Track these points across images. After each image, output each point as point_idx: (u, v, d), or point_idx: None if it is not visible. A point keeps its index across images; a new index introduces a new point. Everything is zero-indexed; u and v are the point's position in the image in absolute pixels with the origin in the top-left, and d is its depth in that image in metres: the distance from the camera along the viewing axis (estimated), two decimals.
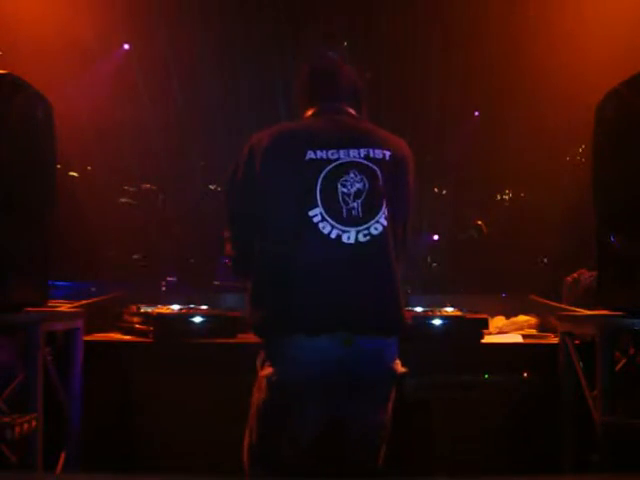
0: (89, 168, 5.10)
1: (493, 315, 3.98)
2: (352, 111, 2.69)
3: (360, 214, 2.46)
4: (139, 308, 3.75)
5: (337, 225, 2.43)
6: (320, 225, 2.43)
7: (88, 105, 4.49)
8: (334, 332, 2.38)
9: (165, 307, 3.80)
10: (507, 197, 5.40)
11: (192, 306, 3.84)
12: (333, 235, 2.43)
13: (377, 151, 2.54)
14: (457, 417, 3.41)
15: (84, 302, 3.73)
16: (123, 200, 5.14)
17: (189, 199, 5.29)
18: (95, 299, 3.98)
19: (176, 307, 3.81)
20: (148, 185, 5.22)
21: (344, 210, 2.45)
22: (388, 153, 2.55)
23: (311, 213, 2.44)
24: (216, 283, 4.69)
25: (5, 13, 4.27)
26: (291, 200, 2.47)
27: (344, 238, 2.43)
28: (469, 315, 3.62)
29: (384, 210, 2.48)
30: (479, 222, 3.98)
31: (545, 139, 4.87)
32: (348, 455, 2.55)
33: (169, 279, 4.64)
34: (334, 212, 2.44)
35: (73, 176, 4.95)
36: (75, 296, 3.94)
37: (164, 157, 5.03)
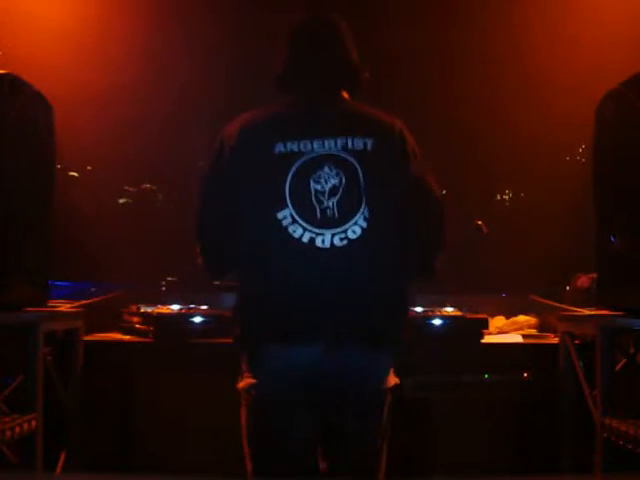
0: (89, 168, 5.09)
1: (493, 315, 3.98)
2: (340, 90, 2.36)
3: (336, 215, 2.20)
4: (139, 308, 3.75)
5: (309, 228, 2.19)
6: (290, 228, 2.19)
7: (88, 105, 4.49)
8: (310, 343, 2.19)
9: (165, 307, 3.80)
10: (507, 197, 5.40)
11: (192, 306, 3.84)
12: (305, 239, 2.19)
13: (357, 140, 2.24)
14: (457, 417, 3.41)
15: (84, 302, 3.72)
16: (122, 200, 5.14)
17: (189, 199, 5.28)
18: (95, 299, 3.97)
19: (176, 307, 3.81)
20: (148, 185, 5.21)
21: (317, 210, 2.20)
22: (370, 142, 2.25)
23: (280, 215, 2.20)
24: (216, 283, 4.68)
25: (4, 11, 4.27)
26: (259, 201, 2.23)
27: (318, 242, 2.19)
28: (469, 315, 3.62)
29: (364, 210, 2.21)
30: (479, 222, 3.97)
31: (545, 139, 4.86)
32: (344, 461, 2.35)
33: (169, 279, 4.63)
34: (306, 213, 2.19)
35: (73, 176, 4.94)
36: (75, 296, 3.94)
37: (164, 157, 5.02)
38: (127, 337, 3.67)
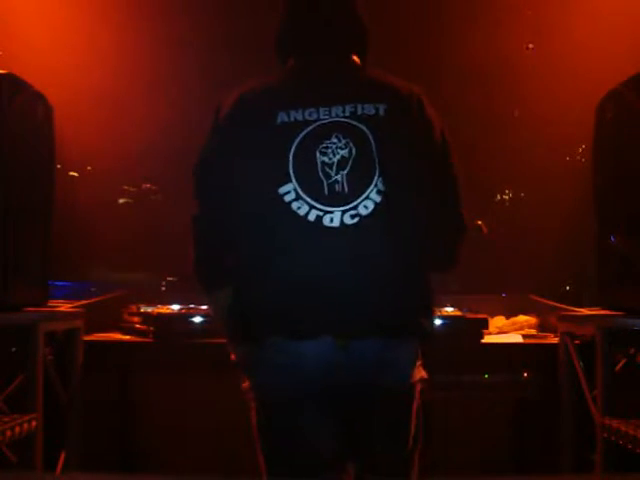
0: (89, 168, 5.09)
1: (493, 315, 3.98)
2: (348, 55, 2.12)
3: (345, 189, 1.95)
4: (139, 308, 3.75)
5: (316, 204, 1.94)
6: (294, 205, 1.94)
7: (88, 105, 4.49)
8: (319, 335, 1.93)
9: (165, 307, 3.80)
10: (507, 197, 5.39)
11: (192, 306, 3.84)
12: (311, 217, 1.94)
13: (367, 106, 1.99)
14: (457, 417, 3.41)
15: (84, 302, 3.73)
16: (122, 200, 5.13)
17: (189, 199, 5.28)
18: (95, 299, 3.98)
19: (176, 307, 3.81)
20: (148, 185, 5.21)
21: (325, 185, 1.95)
22: (383, 107, 2.00)
23: (282, 190, 1.95)
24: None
25: (3, 10, 4.27)
26: (260, 176, 1.98)
27: (325, 221, 1.94)
28: (469, 315, 3.62)
29: (377, 182, 1.96)
30: (479, 222, 3.97)
31: (545, 139, 4.86)
32: (371, 466, 2.08)
33: (169, 279, 4.63)
34: (312, 188, 1.95)
35: (73, 176, 4.94)
36: (75, 296, 3.94)
37: (164, 157, 5.02)
38: (127, 337, 3.67)
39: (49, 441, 3.00)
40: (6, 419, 2.73)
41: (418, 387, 2.08)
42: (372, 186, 1.96)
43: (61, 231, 3.32)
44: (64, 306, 3.50)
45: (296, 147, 1.97)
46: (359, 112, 1.98)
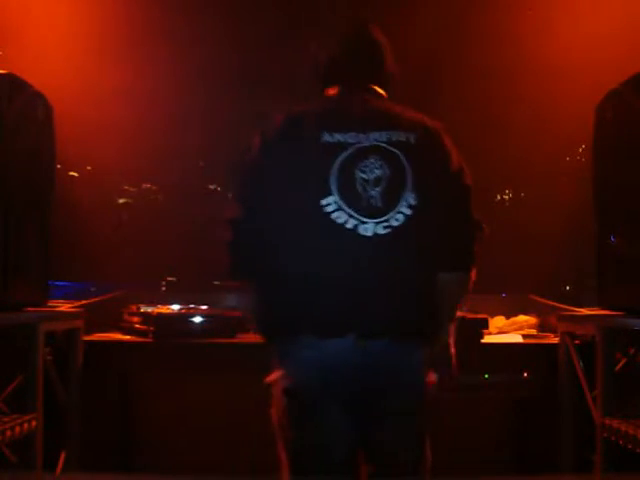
0: (89, 168, 5.09)
1: (493, 315, 3.98)
2: (378, 89, 2.43)
3: (379, 203, 2.19)
4: (139, 308, 3.75)
5: (354, 215, 2.18)
6: (334, 215, 2.18)
7: (88, 105, 4.49)
8: (344, 335, 2.13)
9: (165, 307, 3.81)
10: (507, 197, 5.40)
11: (192, 306, 3.85)
12: (349, 226, 2.18)
13: (401, 134, 2.27)
14: (457, 417, 3.41)
15: (84, 302, 3.73)
16: (122, 200, 5.14)
17: (189, 199, 5.29)
18: (95, 299, 3.98)
19: (176, 307, 3.82)
20: (148, 185, 5.22)
21: (363, 199, 2.20)
22: (413, 136, 2.28)
23: (324, 202, 2.19)
24: (216, 283, 4.68)
25: (3, 10, 4.27)
26: (303, 188, 2.21)
27: (361, 230, 2.17)
28: (469, 315, 3.62)
29: (407, 198, 2.21)
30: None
31: (545, 139, 4.86)
32: (384, 464, 2.25)
33: (169, 279, 4.64)
34: (351, 201, 2.19)
35: (73, 176, 4.94)
36: (75, 296, 3.94)
37: (164, 157, 5.03)
38: (127, 337, 3.68)
39: (49, 441, 3.00)
40: (6, 419, 2.73)
41: (429, 390, 2.27)
42: (403, 201, 2.21)
43: (61, 231, 3.32)
44: (64, 306, 3.50)
45: (338, 165, 2.22)
46: (393, 139, 2.27)
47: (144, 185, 5.21)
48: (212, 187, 5.36)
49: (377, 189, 2.21)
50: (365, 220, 2.18)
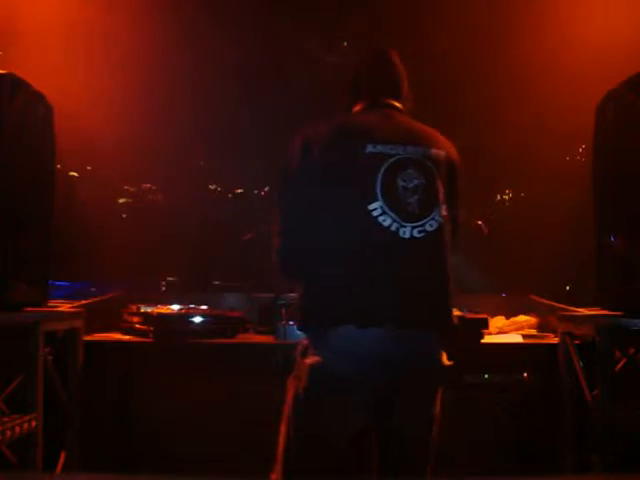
0: (89, 168, 5.10)
1: (493, 315, 3.98)
2: (399, 105, 2.69)
3: (417, 210, 2.45)
4: (139, 308, 3.75)
5: (397, 219, 2.42)
6: (380, 218, 2.42)
7: (88, 104, 4.49)
8: (382, 325, 2.37)
9: (165, 307, 3.80)
10: (507, 197, 5.40)
11: (192, 306, 3.85)
12: (393, 229, 2.42)
13: (434, 150, 2.55)
14: (457, 417, 3.41)
15: (84, 302, 3.73)
16: (122, 200, 5.14)
17: (189, 199, 5.29)
18: (95, 299, 3.98)
19: (176, 307, 3.81)
20: (148, 185, 5.22)
21: (403, 205, 2.44)
22: (443, 154, 2.57)
23: (371, 207, 2.43)
24: (216, 283, 4.69)
25: (4, 10, 4.27)
26: (350, 193, 2.45)
27: (401, 233, 2.42)
28: (469, 315, 3.62)
29: (440, 207, 2.49)
30: (479, 222, 3.98)
31: (545, 139, 4.87)
32: (400, 453, 2.50)
33: (169, 279, 4.64)
34: (394, 206, 2.43)
35: (73, 176, 4.94)
36: (75, 296, 3.94)
37: (164, 157, 5.03)
38: (127, 337, 3.68)
39: (49, 441, 3.00)
40: (6, 419, 2.73)
41: (446, 372, 2.52)
42: (437, 210, 2.49)
43: (61, 231, 3.32)
44: (64, 306, 3.50)
45: (383, 173, 2.46)
46: (428, 153, 2.54)
47: (144, 185, 5.21)
48: (212, 187, 5.37)
49: (415, 197, 2.46)
50: (404, 224, 2.43)
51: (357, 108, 2.68)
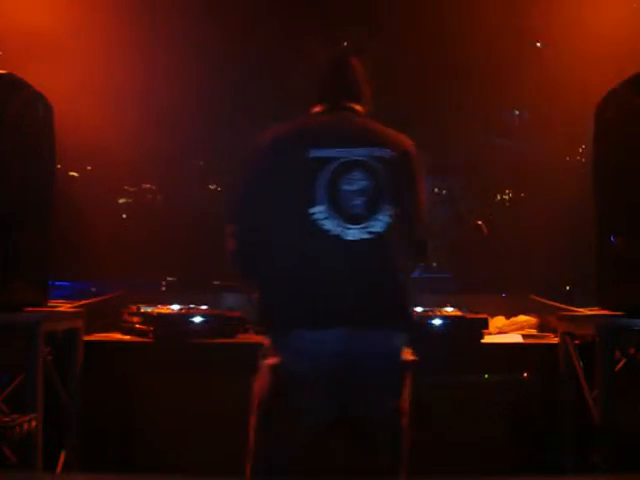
0: (89, 168, 5.09)
1: (493, 315, 3.98)
2: (359, 108, 2.72)
3: (362, 211, 2.48)
4: (139, 308, 3.75)
5: (340, 222, 2.46)
6: (322, 223, 2.46)
7: (88, 104, 4.48)
8: (334, 327, 2.41)
9: (165, 307, 3.80)
10: (507, 197, 5.40)
11: (192, 306, 3.85)
12: (335, 232, 2.45)
13: (380, 150, 2.57)
14: (457, 417, 3.41)
15: (84, 302, 3.72)
16: (122, 200, 5.14)
17: (189, 199, 5.29)
18: (95, 299, 3.98)
19: (176, 307, 3.81)
20: (148, 185, 5.22)
21: (347, 207, 2.47)
22: (390, 152, 2.58)
23: (314, 211, 2.47)
24: (216, 283, 4.68)
25: (4, 10, 4.27)
26: (294, 198, 2.51)
27: (346, 235, 2.46)
28: (469, 315, 3.62)
29: (386, 208, 2.51)
30: (479, 222, 3.98)
31: (546, 139, 4.87)
32: (368, 451, 2.53)
33: (169, 279, 4.63)
34: (337, 210, 2.47)
35: (73, 176, 4.94)
36: (75, 296, 3.94)
37: (164, 157, 5.03)
38: (127, 337, 3.68)
39: (49, 441, 3.00)
40: (6, 419, 2.73)
41: (407, 367, 2.53)
42: (383, 210, 2.50)
43: (61, 231, 3.32)
44: (64, 306, 3.50)
45: (325, 178, 2.49)
46: (374, 154, 2.55)
47: (144, 185, 5.21)
48: (212, 187, 5.37)
49: (361, 199, 2.49)
50: (350, 226, 2.47)
51: (316, 110, 2.73)
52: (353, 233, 2.46)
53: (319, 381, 2.43)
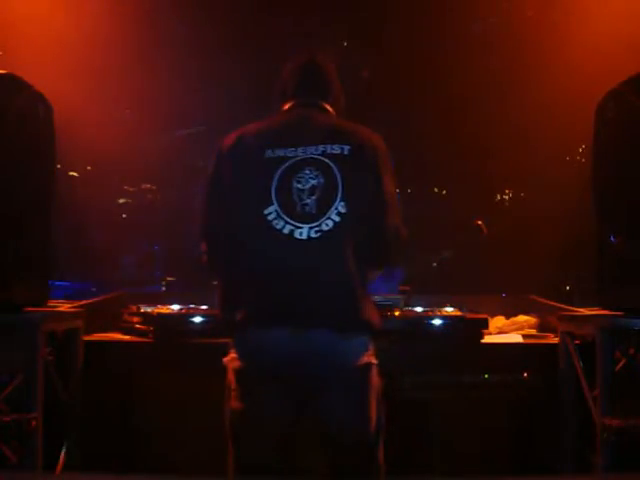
0: (89, 168, 5.10)
1: (493, 315, 3.98)
2: (327, 106, 2.71)
3: (313, 210, 2.48)
4: (139, 308, 3.75)
5: (290, 221, 2.47)
6: (274, 222, 2.48)
7: (88, 104, 4.49)
8: (285, 326, 2.42)
9: (165, 307, 3.80)
10: (507, 197, 5.40)
11: (192, 306, 3.84)
12: (286, 231, 2.46)
13: (335, 147, 2.54)
14: (457, 417, 3.41)
15: (84, 302, 3.73)
16: (122, 200, 5.14)
17: (189, 199, 5.30)
18: (95, 299, 3.98)
19: (176, 307, 3.81)
20: (148, 185, 5.22)
21: (298, 206, 2.48)
22: (348, 148, 2.54)
23: (266, 211, 2.49)
24: (216, 283, 4.68)
25: (4, 10, 4.27)
26: (249, 200, 2.53)
27: (296, 234, 2.46)
28: (469, 315, 3.62)
29: (337, 206, 2.48)
30: (479, 222, 3.98)
31: (545, 139, 4.87)
32: (336, 455, 2.51)
33: (169, 279, 4.63)
34: (288, 209, 2.48)
35: (73, 176, 4.95)
36: (75, 296, 3.94)
37: (164, 157, 5.03)
38: (127, 337, 3.67)
39: (49, 441, 3.00)
40: (6, 419, 2.73)
41: (368, 370, 2.50)
42: (334, 209, 2.48)
43: (61, 231, 3.32)
44: (64, 306, 3.50)
45: (278, 177, 2.51)
46: (328, 151, 2.54)
47: (144, 185, 5.21)
48: None
49: (312, 197, 2.49)
50: (300, 225, 2.47)
51: (284, 108, 2.74)
52: (303, 232, 2.46)
53: (268, 379, 2.44)
